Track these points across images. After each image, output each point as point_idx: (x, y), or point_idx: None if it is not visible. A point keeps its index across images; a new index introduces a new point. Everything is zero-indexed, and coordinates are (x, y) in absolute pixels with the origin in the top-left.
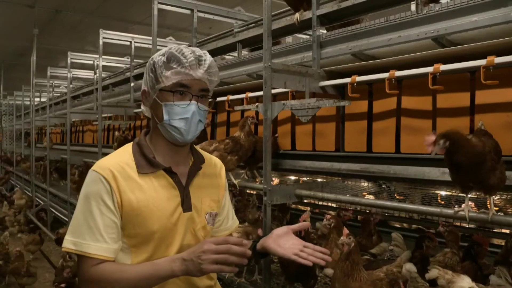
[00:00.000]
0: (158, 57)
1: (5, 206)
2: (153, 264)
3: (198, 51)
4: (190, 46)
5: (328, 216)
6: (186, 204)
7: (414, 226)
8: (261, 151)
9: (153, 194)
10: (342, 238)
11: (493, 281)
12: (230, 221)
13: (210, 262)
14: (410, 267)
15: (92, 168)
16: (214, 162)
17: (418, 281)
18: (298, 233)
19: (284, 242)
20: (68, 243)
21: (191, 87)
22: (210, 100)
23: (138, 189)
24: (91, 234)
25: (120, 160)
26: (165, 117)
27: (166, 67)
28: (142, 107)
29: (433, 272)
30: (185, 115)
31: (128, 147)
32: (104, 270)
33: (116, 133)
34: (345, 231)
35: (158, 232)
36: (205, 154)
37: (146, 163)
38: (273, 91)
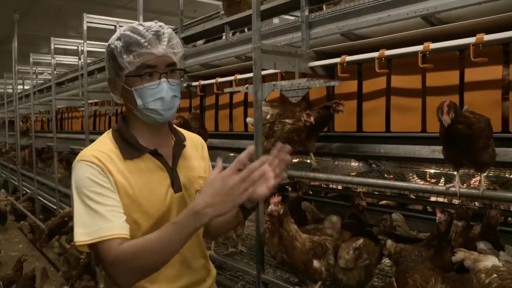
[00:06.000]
0: (114, 42)
1: (2, 194)
2: (176, 226)
3: (154, 26)
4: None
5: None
6: (176, 185)
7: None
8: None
9: (144, 179)
10: (270, 207)
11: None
12: None
13: (242, 193)
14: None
15: (76, 160)
16: (194, 138)
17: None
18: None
19: None
20: (81, 236)
21: (157, 65)
22: (179, 71)
23: (128, 174)
24: (100, 217)
25: (102, 148)
26: (139, 102)
27: (126, 52)
28: (112, 95)
29: (459, 255)
30: (158, 95)
31: (108, 135)
32: (131, 246)
33: None
34: (273, 200)
35: (154, 217)
36: (184, 131)
37: (131, 148)
38: (262, 72)
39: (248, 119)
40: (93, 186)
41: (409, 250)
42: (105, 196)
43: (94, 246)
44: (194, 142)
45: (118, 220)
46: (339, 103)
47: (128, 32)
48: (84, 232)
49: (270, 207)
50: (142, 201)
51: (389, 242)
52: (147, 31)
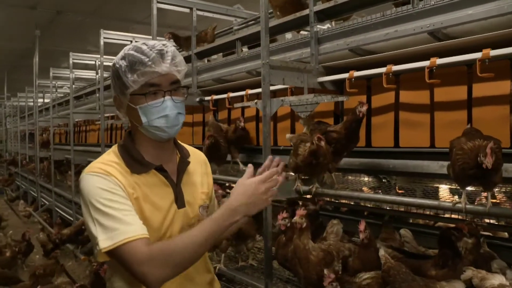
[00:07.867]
0: (119, 62)
1: (21, 205)
2: (215, 221)
3: (157, 44)
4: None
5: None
6: (179, 201)
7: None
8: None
9: (149, 193)
10: (295, 218)
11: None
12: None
13: (269, 198)
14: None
15: (84, 173)
16: (198, 154)
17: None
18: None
19: None
20: (104, 242)
21: (161, 83)
22: (183, 89)
23: (136, 186)
24: (119, 221)
25: (109, 160)
26: (144, 119)
27: (131, 71)
28: (117, 112)
29: (468, 273)
30: (163, 113)
31: (113, 150)
32: (171, 243)
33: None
34: (299, 212)
35: (157, 231)
36: (188, 147)
37: (136, 164)
38: (273, 87)
39: (288, 136)
40: (105, 194)
41: (397, 268)
42: (118, 202)
43: (117, 250)
44: (197, 158)
45: (137, 222)
46: (361, 103)
47: (132, 52)
48: (106, 237)
49: (295, 218)
50: (147, 214)
51: (382, 252)
52: (150, 50)
